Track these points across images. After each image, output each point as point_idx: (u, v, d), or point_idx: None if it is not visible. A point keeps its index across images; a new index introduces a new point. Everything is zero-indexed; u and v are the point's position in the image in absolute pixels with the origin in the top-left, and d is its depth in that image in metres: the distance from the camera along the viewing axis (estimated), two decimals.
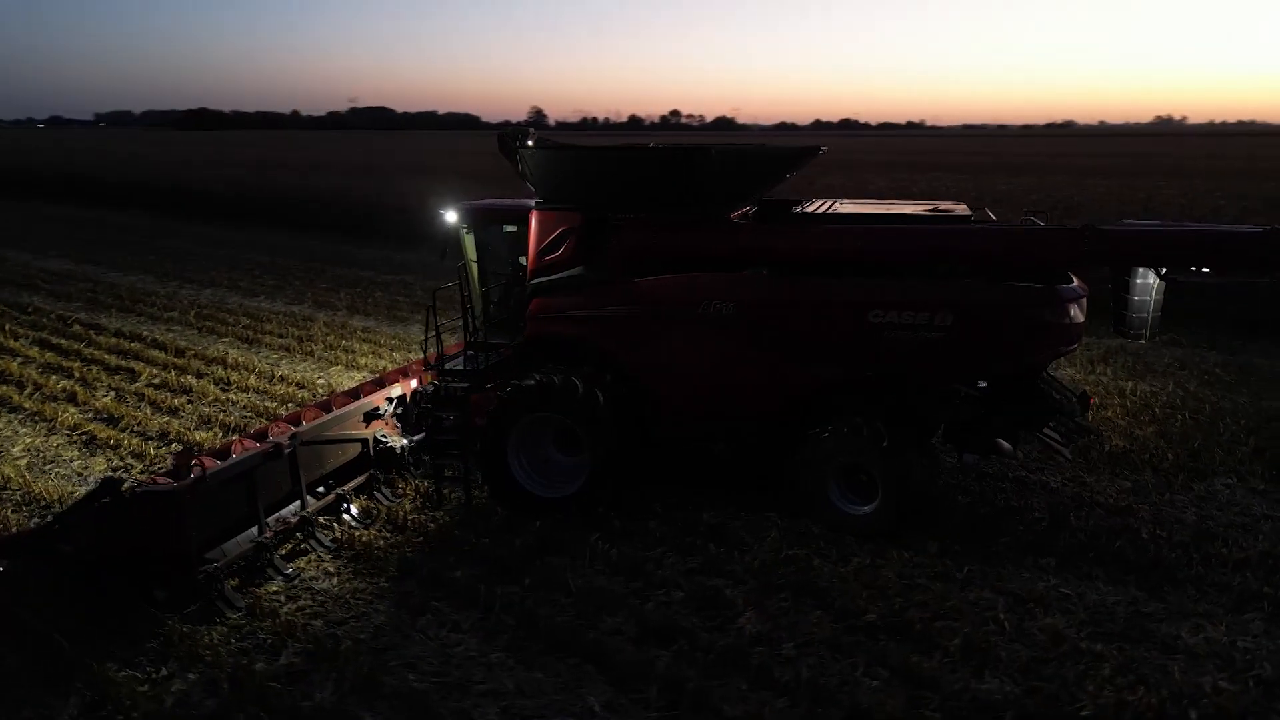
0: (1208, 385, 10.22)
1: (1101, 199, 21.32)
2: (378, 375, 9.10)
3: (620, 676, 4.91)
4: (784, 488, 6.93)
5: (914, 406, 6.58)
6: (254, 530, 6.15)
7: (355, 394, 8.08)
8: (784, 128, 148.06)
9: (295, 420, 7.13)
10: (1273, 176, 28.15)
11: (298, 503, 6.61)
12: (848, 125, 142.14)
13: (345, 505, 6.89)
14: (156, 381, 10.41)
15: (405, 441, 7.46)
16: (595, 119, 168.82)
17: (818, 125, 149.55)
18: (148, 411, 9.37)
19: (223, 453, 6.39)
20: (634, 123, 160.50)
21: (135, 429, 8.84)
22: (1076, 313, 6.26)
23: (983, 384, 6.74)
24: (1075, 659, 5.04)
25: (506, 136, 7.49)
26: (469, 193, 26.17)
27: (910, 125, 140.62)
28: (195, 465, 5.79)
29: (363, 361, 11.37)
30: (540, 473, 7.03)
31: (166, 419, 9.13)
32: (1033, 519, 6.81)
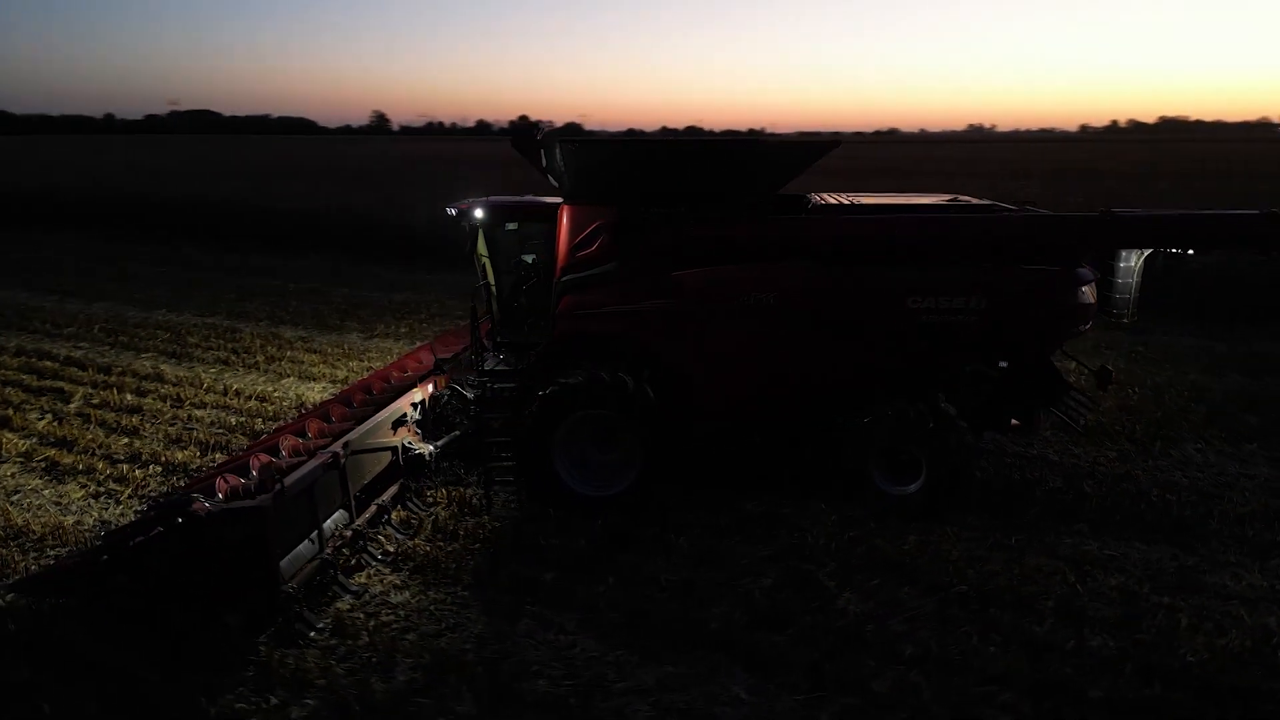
0: (1136, 363, 11.11)
1: None
2: (371, 380, 8.74)
3: (753, 663, 4.94)
4: (822, 474, 7.10)
5: (949, 388, 6.88)
6: (313, 546, 5.80)
7: (348, 401, 7.74)
8: (632, 134, 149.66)
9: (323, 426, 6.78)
10: (1069, 177, 30.83)
11: (340, 514, 6.28)
12: (694, 132, 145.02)
13: (386, 516, 6.60)
14: (96, 401, 9.60)
15: (431, 448, 7.20)
16: (441, 123, 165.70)
17: (664, 131, 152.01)
18: (100, 433, 8.63)
19: (277, 467, 6.00)
20: (482, 127, 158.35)
21: (97, 452, 8.12)
22: (1090, 294, 6.72)
23: (1003, 364, 7.11)
24: (1152, 613, 5.42)
25: (523, 133, 7.39)
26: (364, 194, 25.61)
27: (752, 132, 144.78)
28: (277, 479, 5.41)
29: (318, 371, 10.85)
30: (580, 472, 6.94)
31: (127, 440, 8.44)
32: (1051, 490, 7.26)
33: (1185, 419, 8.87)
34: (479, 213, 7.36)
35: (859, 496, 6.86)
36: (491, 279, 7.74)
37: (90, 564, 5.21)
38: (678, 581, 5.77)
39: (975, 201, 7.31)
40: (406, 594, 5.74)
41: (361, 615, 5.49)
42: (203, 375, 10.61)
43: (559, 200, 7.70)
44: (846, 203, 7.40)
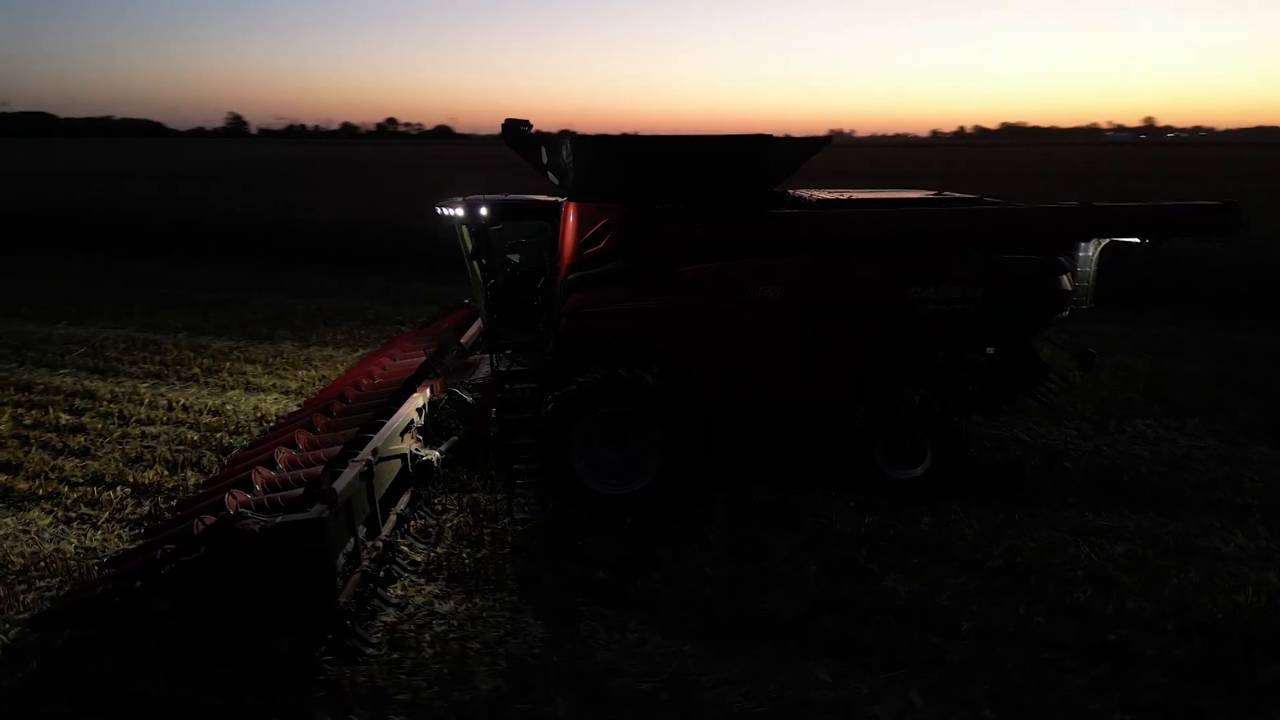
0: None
1: None
2: (342, 387, 8.44)
3: (825, 647, 5.03)
4: (826, 463, 7.29)
5: (947, 374, 7.18)
6: (352, 559, 5.56)
7: (327, 410, 7.49)
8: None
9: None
10: (924, 180, 32.48)
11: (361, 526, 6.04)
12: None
13: (405, 526, 6.40)
14: (28, 422, 8.89)
15: (438, 454, 7.00)
16: (304, 125, 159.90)
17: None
18: (46, 455, 8.00)
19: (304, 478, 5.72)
20: (347, 130, 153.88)
21: (51, 476, 7.53)
22: (1069, 281, 7.14)
23: (990, 350, 7.46)
24: (1166, 576, 5.81)
25: (518, 130, 7.30)
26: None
27: (625, 135, 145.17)
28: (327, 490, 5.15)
29: (264, 382, 10.36)
30: (594, 470, 6.90)
31: (79, 461, 7.86)
32: (1035, 468, 7.68)
33: (1128, 398, 9.51)
34: (483, 211, 7.21)
35: (866, 482, 7.07)
36: (479, 277, 7.59)
37: (122, 592, 4.84)
38: (725, 574, 5.82)
39: (962, 196, 7.64)
40: (451, 603, 5.58)
41: (412, 627, 5.30)
42: (142, 390, 9.95)
43: (554, 198, 7.66)
44: (831, 198, 7.62)
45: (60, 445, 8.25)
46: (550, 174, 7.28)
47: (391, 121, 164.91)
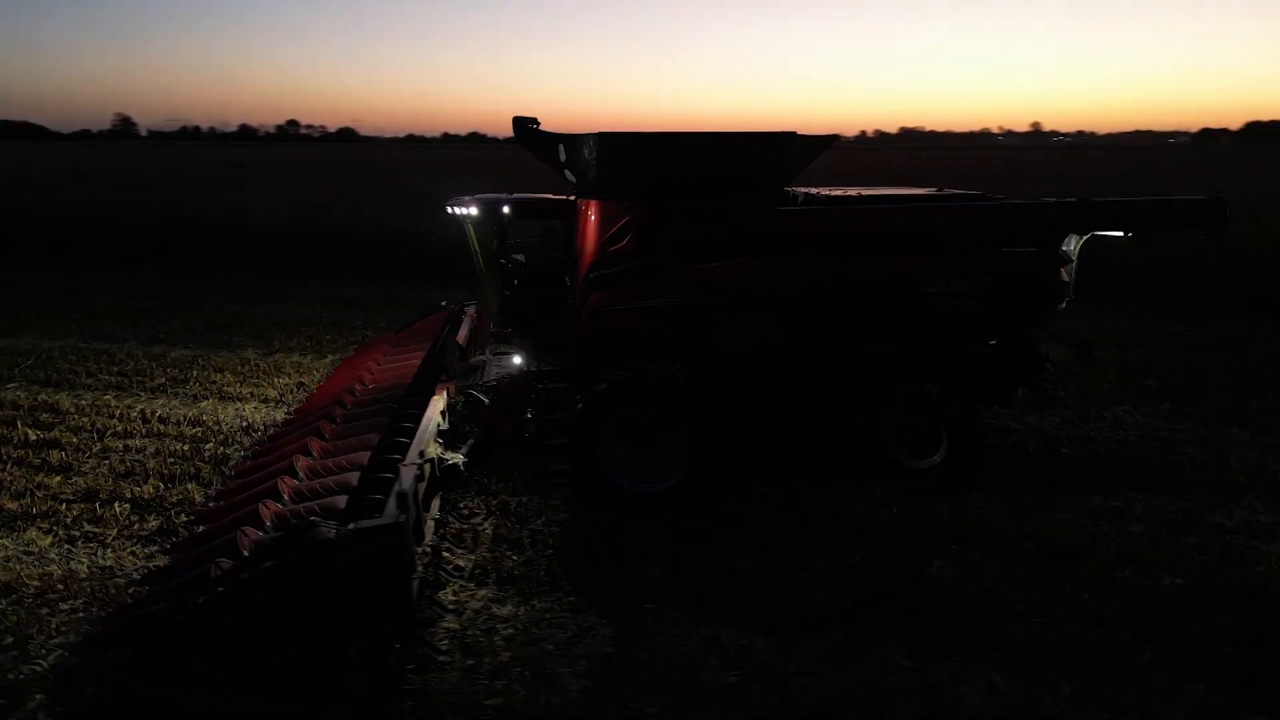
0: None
1: None
2: (336, 393, 8.23)
3: (895, 633, 5.13)
4: (837, 456, 7.41)
5: (958, 366, 7.39)
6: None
7: (330, 416, 7.31)
8: (412, 140, 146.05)
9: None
10: (831, 180, 33.40)
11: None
12: (476, 138, 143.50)
13: (442, 530, 6.27)
14: None
15: (462, 457, 6.87)
16: (198, 127, 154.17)
17: (447, 138, 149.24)
18: (24, 473, 7.54)
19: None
20: (246, 132, 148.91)
21: (38, 495, 7.10)
22: (1067, 274, 7.44)
23: (992, 342, 7.72)
24: (1187, 553, 6.11)
25: (530, 127, 7.25)
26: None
27: (473, 135, 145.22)
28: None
29: (239, 391, 9.98)
30: (623, 468, 6.88)
31: (64, 478, 7.43)
32: (1034, 453, 7.98)
33: (1103, 385, 9.95)
34: (505, 210, 7.12)
35: (882, 474, 7.22)
36: (492, 277, 7.51)
37: (185, 609, 4.61)
38: (770, 568, 5.86)
39: (964, 193, 7.88)
40: (509, 607, 5.48)
41: (475, 632, 5.20)
42: (109, 403, 9.47)
43: (563, 197, 7.61)
44: (840, 195, 7.76)
45: (39, 461, 7.78)
46: (567, 171, 7.23)
47: (293, 123, 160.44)
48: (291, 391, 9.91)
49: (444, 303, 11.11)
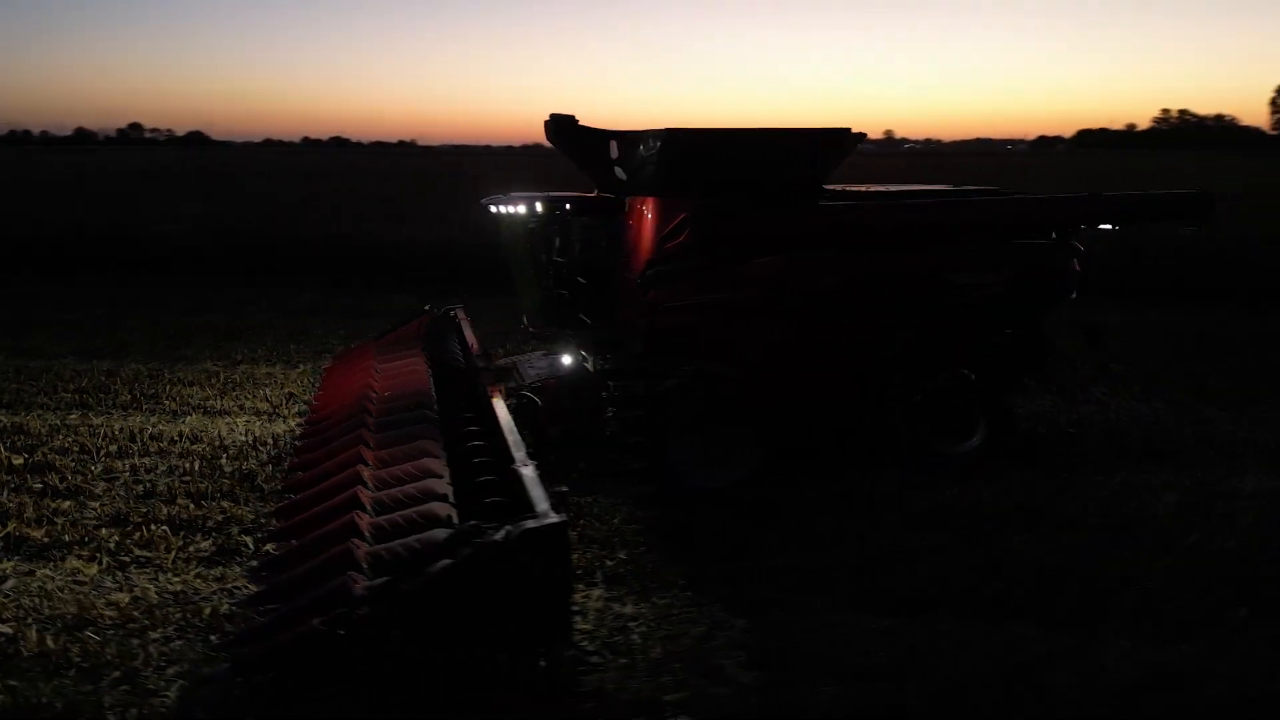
0: None
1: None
2: (351, 400, 7.94)
3: (1011, 608, 5.36)
4: (884, 445, 7.65)
5: (987, 354, 7.76)
6: None
7: (361, 424, 7.09)
8: (270, 145, 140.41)
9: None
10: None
11: None
12: (339, 143, 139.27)
13: None
14: None
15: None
16: (29, 131, 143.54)
17: (307, 142, 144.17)
18: (30, 499, 6.92)
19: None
20: (83, 136, 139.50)
21: (59, 520, 6.55)
22: (1079, 264, 7.94)
23: (1008, 330, 8.12)
24: (1228, 518, 6.58)
25: (571, 124, 7.21)
26: None
27: (402, 144, 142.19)
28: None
29: (223, 405, 9.46)
30: (689, 464, 6.91)
31: (75, 502, 6.87)
32: (1042, 435, 8.45)
33: (1074, 370, 10.60)
34: (567, 208, 7.04)
35: (923, 461, 7.50)
36: (531, 273, 7.42)
37: (347, 624, 4.37)
38: (863, 554, 6.02)
39: (981, 188, 8.28)
40: (630, 606, 5.44)
41: (606, 631, 5.15)
42: (93, 422, 8.79)
43: (600, 195, 7.59)
44: (871, 191, 8.03)
45: (39, 486, 7.16)
46: (617, 169, 7.20)
47: (135, 127, 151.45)
48: (284, 403, 9.46)
49: (427, 306, 10.84)
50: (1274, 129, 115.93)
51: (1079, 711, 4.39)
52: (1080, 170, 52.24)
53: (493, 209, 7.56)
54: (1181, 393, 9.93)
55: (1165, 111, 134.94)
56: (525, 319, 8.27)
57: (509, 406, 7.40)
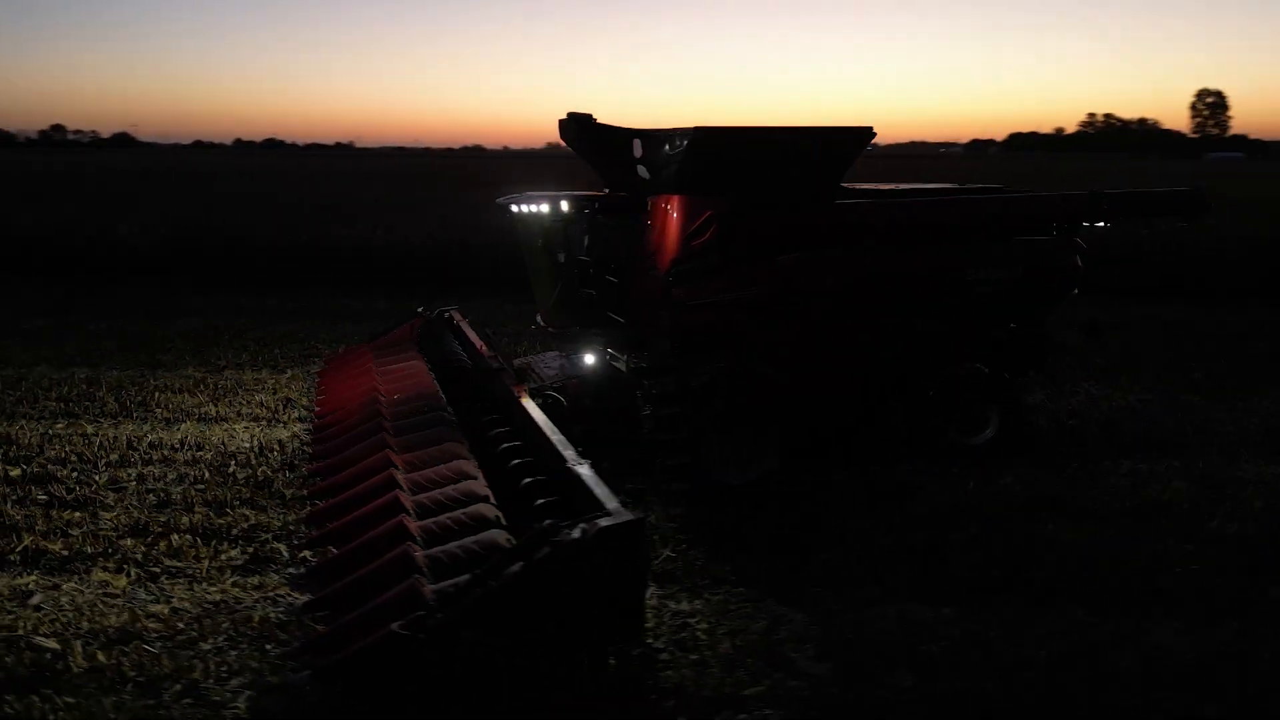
0: None
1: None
2: (359, 404, 7.84)
3: (1059, 593, 5.49)
4: (904, 438, 7.77)
5: (999, 348, 7.93)
6: None
7: (376, 428, 7.03)
8: (200, 146, 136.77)
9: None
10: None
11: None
12: (273, 144, 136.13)
13: None
14: None
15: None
16: None
17: (239, 144, 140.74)
18: (39, 511, 6.67)
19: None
20: (3, 138, 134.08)
21: (74, 533, 6.30)
22: (1081, 260, 8.16)
23: (1012, 325, 8.31)
24: (1243, 502, 6.83)
25: (589, 122, 7.18)
26: None
27: (340, 146, 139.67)
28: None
29: (217, 411, 9.20)
30: (717, 460, 6.93)
31: (86, 514, 6.62)
32: (1044, 429, 8.66)
33: (1058, 362, 10.87)
34: (597, 207, 7.00)
35: (940, 453, 7.63)
36: (551, 273, 7.37)
37: (423, 628, 4.29)
38: (906, 545, 6.10)
39: (986, 186, 8.46)
40: (684, 603, 5.43)
41: (668, 628, 5.14)
42: (85, 430, 8.49)
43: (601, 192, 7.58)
44: (886, 189, 8.15)
45: (44, 498, 6.88)
46: (640, 167, 7.19)
47: (58, 128, 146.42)
48: (281, 409, 9.23)
49: (420, 309, 10.72)
50: (1194, 132, 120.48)
51: (1148, 692, 4.50)
52: (1012, 172, 53.43)
53: (514, 208, 7.49)
54: (1166, 384, 10.28)
55: (1091, 115, 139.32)
56: (542, 318, 8.20)
57: (538, 405, 7.36)
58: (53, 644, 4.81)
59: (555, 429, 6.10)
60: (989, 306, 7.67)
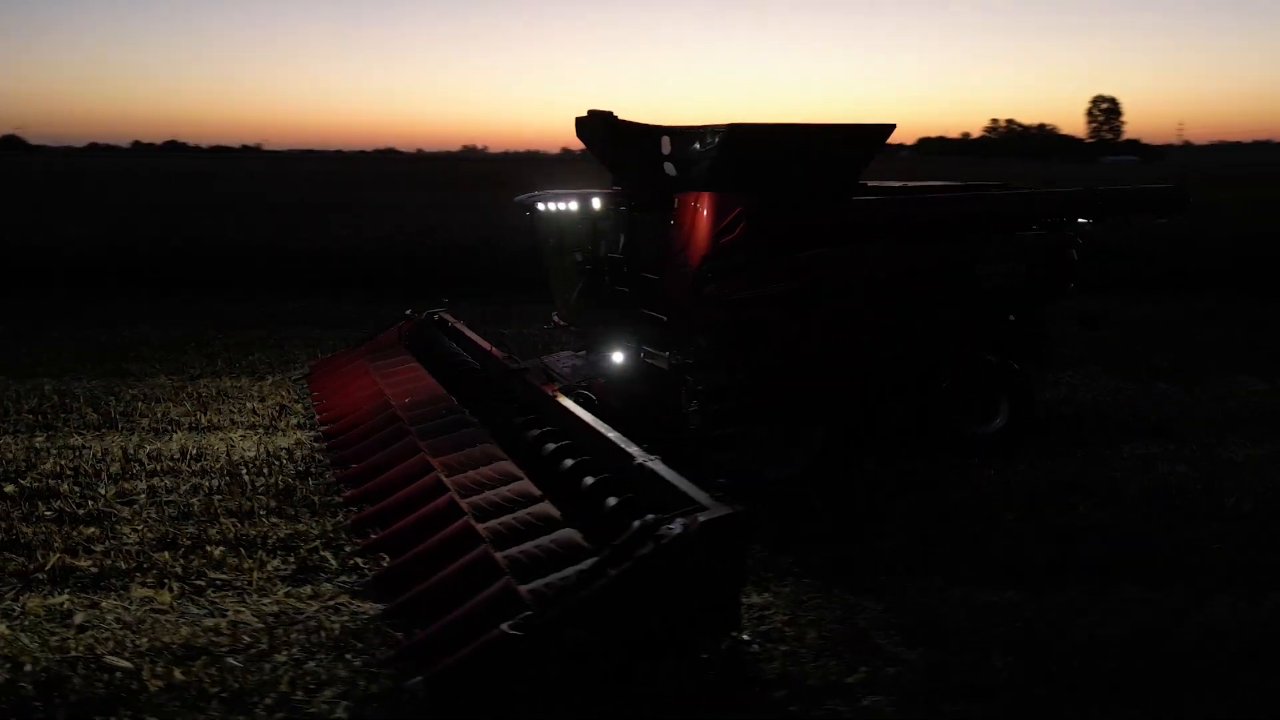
0: None
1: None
2: (372, 407, 7.72)
3: (1113, 572, 5.70)
4: (921, 429, 7.94)
5: (1006, 340, 8.17)
6: None
7: (399, 433, 6.98)
8: (95, 150, 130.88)
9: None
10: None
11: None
12: (174, 147, 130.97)
13: None
14: None
15: None
16: None
17: (137, 147, 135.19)
18: (49, 528, 6.32)
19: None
20: None
21: (95, 549, 5.98)
22: (1076, 255, 8.47)
23: (1011, 318, 8.57)
24: (1227, 484, 7.15)
25: (611, 120, 7.16)
26: None
27: (247, 148, 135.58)
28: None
29: (206, 420, 8.85)
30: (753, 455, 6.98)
31: (100, 529, 6.29)
32: (1040, 416, 8.96)
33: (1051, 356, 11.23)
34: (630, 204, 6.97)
35: (953, 443, 7.83)
36: (569, 273, 7.32)
37: (531, 628, 4.20)
38: (949, 531, 6.26)
39: (986, 183, 8.71)
40: (755, 596, 5.44)
41: (749, 620, 5.13)
42: (71, 442, 8.06)
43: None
44: (899, 186, 8.31)
45: (50, 514, 6.51)
46: (667, 165, 7.19)
47: None
48: (276, 416, 8.92)
49: (409, 311, 10.54)
50: (1090, 137, 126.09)
51: (1214, 668, 4.69)
52: (923, 175, 54.98)
53: (541, 206, 7.40)
54: (1135, 373, 10.73)
55: (995, 121, 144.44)
56: (561, 317, 8.12)
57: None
58: (125, 663, 4.56)
59: (609, 426, 6.05)
60: (998, 299, 7.89)
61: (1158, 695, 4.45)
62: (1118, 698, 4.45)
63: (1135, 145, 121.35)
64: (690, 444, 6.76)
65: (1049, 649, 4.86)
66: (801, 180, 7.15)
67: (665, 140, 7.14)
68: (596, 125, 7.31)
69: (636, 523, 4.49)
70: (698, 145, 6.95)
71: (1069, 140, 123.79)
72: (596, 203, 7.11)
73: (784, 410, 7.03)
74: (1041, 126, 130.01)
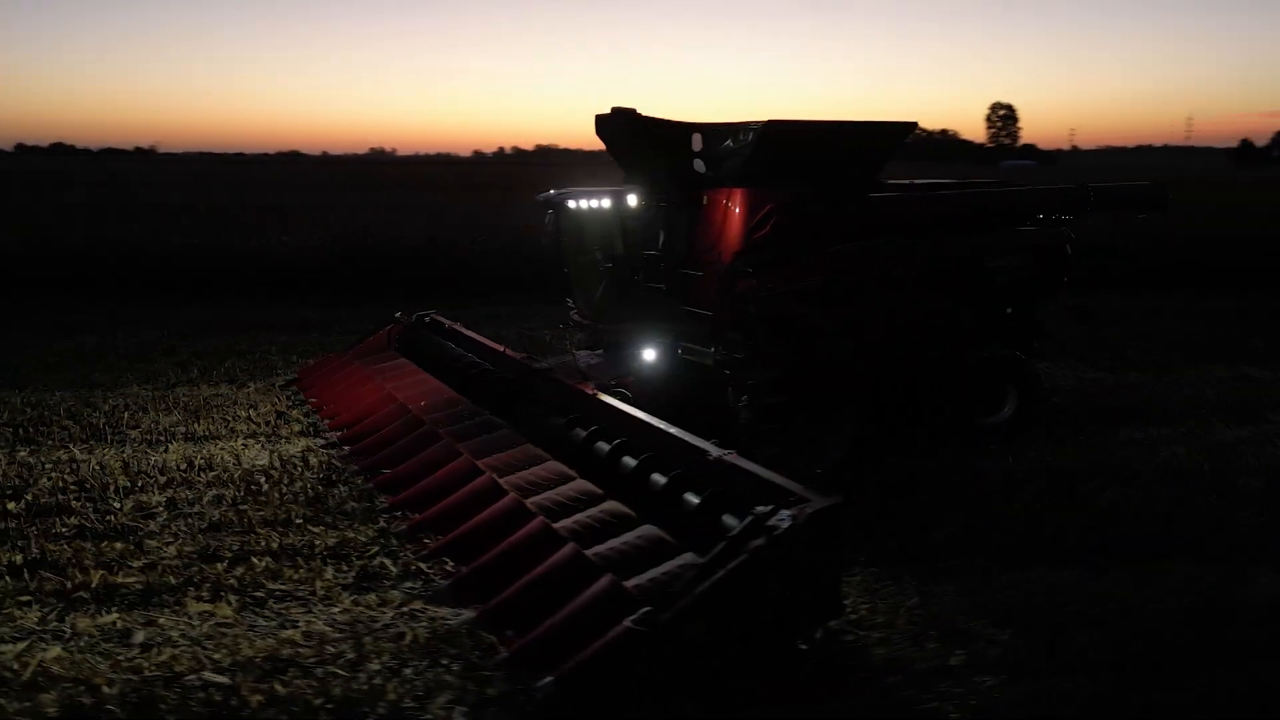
0: None
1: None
2: (390, 412, 7.52)
3: (1160, 550, 5.93)
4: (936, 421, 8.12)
5: (1013, 331, 8.43)
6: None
7: (432, 437, 6.87)
8: (23, 149, 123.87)
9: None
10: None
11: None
12: (61, 149, 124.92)
13: None
14: None
15: None
16: None
17: (22, 149, 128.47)
18: (74, 545, 5.95)
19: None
20: None
21: (134, 565, 5.67)
22: (1070, 249, 8.80)
23: (1009, 310, 8.86)
24: (1242, 462, 7.56)
25: (636, 116, 7.16)
26: None
27: (140, 151, 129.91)
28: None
29: (205, 429, 8.50)
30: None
31: (127, 545, 5.96)
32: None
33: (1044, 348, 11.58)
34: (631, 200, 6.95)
35: (963, 434, 8.04)
36: (595, 271, 7.27)
37: (651, 625, 4.16)
38: (999, 514, 6.43)
39: (988, 180, 8.97)
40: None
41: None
42: (58, 456, 7.62)
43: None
44: (911, 183, 8.50)
45: (65, 531, 6.15)
46: (697, 161, 7.20)
47: None
48: (274, 423, 8.59)
49: (398, 314, 10.32)
50: (990, 142, 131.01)
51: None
52: None
53: (570, 204, 7.30)
54: (1109, 364, 11.21)
55: None
56: (584, 316, 8.03)
57: None
58: (220, 678, 4.34)
59: (668, 423, 6.03)
60: (1006, 292, 8.13)
61: (1239, 662, 4.66)
62: (1205, 667, 4.64)
63: (1032, 150, 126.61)
64: (741, 439, 6.78)
65: (1123, 626, 5.04)
66: (831, 176, 7.25)
67: (696, 137, 7.15)
68: (620, 122, 7.27)
69: (749, 516, 4.49)
70: (730, 142, 6.98)
71: (969, 145, 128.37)
72: (631, 199, 7.07)
73: (818, 403, 7.10)
74: (944, 132, 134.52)
